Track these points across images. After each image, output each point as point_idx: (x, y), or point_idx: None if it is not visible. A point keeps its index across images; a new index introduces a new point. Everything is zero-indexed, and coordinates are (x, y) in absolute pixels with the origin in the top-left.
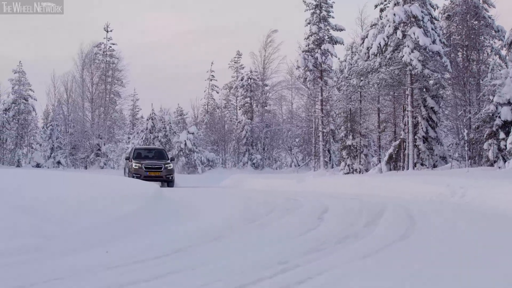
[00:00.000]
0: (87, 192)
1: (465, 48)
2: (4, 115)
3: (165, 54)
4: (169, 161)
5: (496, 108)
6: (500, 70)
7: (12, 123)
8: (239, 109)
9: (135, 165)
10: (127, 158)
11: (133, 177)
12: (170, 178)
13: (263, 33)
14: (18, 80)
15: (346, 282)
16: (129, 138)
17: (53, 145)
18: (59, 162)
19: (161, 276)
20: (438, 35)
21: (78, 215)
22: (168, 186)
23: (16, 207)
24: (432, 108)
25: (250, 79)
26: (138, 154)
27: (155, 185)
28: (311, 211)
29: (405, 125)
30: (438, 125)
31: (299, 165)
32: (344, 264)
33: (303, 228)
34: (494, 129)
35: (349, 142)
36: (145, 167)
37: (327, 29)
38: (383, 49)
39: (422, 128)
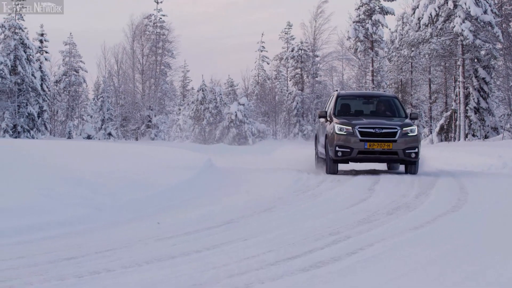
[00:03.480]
0: (138, 164)
1: None
2: (55, 86)
3: (215, 25)
4: (409, 120)
5: None
6: None
7: (63, 94)
8: (290, 80)
9: (340, 129)
10: (323, 116)
11: (335, 154)
12: (413, 156)
13: (313, 3)
14: (69, 51)
15: (397, 253)
16: (179, 109)
17: (104, 117)
18: (110, 134)
19: (213, 247)
20: (490, 5)
21: (129, 186)
22: (407, 171)
23: (68, 178)
24: (483, 78)
25: (301, 50)
26: (345, 107)
27: (206, 156)
28: (362, 182)
29: (456, 96)
30: (490, 95)
31: None
32: (395, 235)
33: (354, 199)
34: None
35: None
36: (361, 133)
37: None
38: (434, 20)
39: (473, 99)
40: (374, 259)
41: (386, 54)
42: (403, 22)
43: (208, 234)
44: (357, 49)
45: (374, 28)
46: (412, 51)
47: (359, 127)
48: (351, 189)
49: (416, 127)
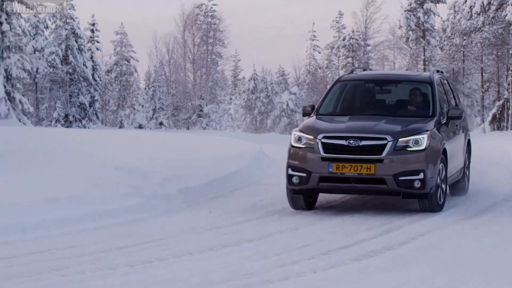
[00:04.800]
0: (189, 153)
1: None
2: (107, 76)
3: (265, 14)
4: (427, 123)
5: None
6: None
7: (114, 84)
8: (341, 69)
9: (298, 138)
10: (307, 113)
11: (289, 180)
12: (417, 186)
13: None
14: (120, 41)
15: (451, 243)
16: (231, 99)
17: (155, 106)
18: (161, 123)
19: (264, 236)
20: None
21: (180, 175)
22: (420, 207)
23: (119, 168)
24: None
25: (352, 39)
26: (341, 100)
27: (258, 145)
28: None
29: (508, 84)
30: None
31: None
32: (448, 225)
33: None
34: None
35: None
36: (325, 146)
37: None
38: (486, 8)
39: None
40: (426, 249)
41: (438, 43)
42: (454, 11)
43: (259, 224)
44: (408, 38)
45: (426, 16)
46: (464, 39)
47: (324, 137)
48: None
49: (427, 136)
